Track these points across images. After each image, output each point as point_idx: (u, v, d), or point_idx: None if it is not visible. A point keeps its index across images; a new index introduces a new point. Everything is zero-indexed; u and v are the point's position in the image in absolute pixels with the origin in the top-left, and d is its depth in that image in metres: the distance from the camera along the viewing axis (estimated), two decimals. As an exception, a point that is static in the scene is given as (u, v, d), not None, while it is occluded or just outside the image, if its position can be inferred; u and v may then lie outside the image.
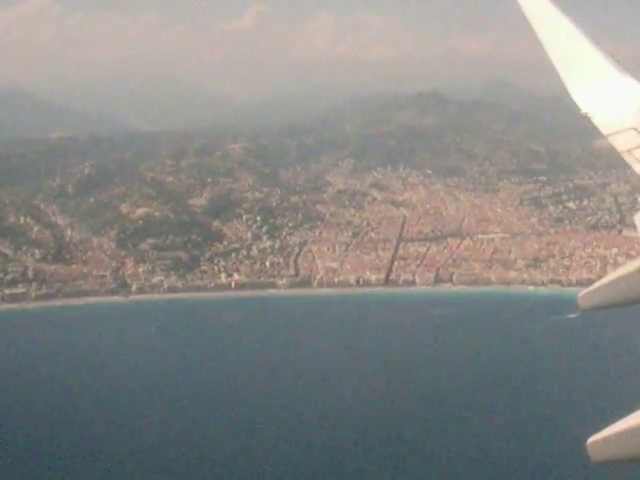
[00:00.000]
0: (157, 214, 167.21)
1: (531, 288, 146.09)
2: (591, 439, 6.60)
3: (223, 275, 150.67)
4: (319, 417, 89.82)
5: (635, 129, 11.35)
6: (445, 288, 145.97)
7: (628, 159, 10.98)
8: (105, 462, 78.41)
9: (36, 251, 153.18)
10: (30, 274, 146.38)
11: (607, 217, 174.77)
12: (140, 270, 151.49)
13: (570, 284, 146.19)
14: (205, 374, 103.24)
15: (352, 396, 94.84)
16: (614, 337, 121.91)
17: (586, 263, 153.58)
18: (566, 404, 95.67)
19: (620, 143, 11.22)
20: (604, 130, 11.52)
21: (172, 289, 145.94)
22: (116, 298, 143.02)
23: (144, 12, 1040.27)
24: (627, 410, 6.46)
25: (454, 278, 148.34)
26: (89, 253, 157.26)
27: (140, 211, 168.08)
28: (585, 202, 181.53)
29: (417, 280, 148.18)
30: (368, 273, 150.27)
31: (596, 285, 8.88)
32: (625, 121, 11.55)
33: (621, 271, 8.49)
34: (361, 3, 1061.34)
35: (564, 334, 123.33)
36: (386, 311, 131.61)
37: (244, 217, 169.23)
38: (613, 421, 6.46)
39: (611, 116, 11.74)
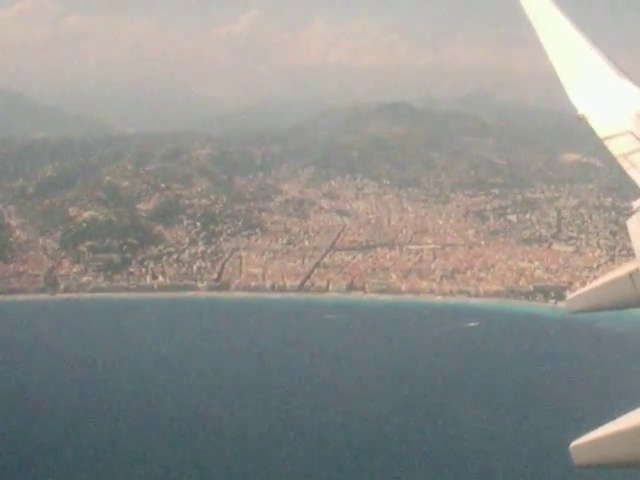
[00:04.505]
0: (101, 217, 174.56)
1: (439, 298, 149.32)
2: (574, 443, 6.72)
3: (148, 277, 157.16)
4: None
5: (632, 133, 11.28)
6: (355, 296, 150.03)
7: (623, 163, 10.76)
8: None
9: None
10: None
11: (543, 231, 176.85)
12: (73, 270, 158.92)
13: (477, 295, 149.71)
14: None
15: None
16: (504, 346, 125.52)
17: (502, 275, 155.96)
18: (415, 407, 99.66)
19: (616, 147, 11.09)
20: (600, 133, 11.48)
21: (97, 289, 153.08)
22: (42, 296, 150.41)
23: (141, 15, 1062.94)
24: (610, 416, 6.64)
25: (366, 287, 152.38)
26: (31, 253, 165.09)
27: (86, 214, 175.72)
28: (528, 215, 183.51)
29: (330, 287, 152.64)
30: (285, 279, 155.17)
31: (585, 289, 9.04)
32: (622, 125, 11.50)
33: (610, 275, 8.65)
34: (359, 10, 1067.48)
35: (451, 341, 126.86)
36: (280, 315, 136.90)
37: (185, 222, 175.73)
38: (596, 426, 6.64)
39: (608, 119, 11.67)
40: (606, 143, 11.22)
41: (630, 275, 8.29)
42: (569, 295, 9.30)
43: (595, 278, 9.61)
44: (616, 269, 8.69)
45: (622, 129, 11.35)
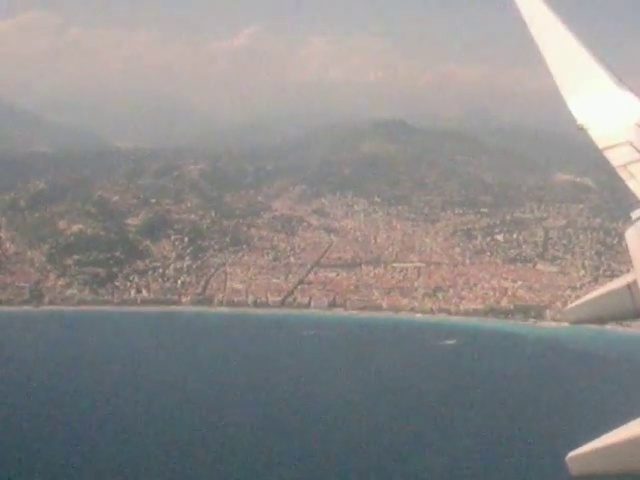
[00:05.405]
0: (89, 231, 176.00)
1: (419, 315, 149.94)
2: (571, 454, 6.84)
3: (133, 291, 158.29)
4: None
5: (631, 143, 11.21)
6: (335, 312, 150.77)
7: (622, 174, 10.61)
8: None
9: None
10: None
11: (529, 250, 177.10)
12: (59, 283, 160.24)
13: (458, 313, 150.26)
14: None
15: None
16: (478, 363, 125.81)
17: (484, 294, 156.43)
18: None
19: (615, 157, 11.00)
20: (599, 143, 11.41)
21: (81, 302, 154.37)
22: (26, 308, 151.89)
23: (141, 29, 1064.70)
24: (606, 428, 6.75)
25: (347, 304, 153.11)
26: (18, 265, 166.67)
27: (75, 227, 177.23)
28: (515, 235, 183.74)
29: (312, 304, 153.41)
30: (268, 295, 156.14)
31: (583, 300, 9.09)
32: (621, 135, 11.45)
33: (608, 287, 8.74)
34: (359, 27, 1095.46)
35: (426, 358, 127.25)
36: (258, 330, 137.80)
37: (172, 237, 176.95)
38: (592, 438, 6.75)
39: (607, 129, 11.64)
40: (605, 153, 11.17)
41: (628, 287, 8.35)
42: (567, 306, 9.40)
43: (587, 292, 9.79)
44: (614, 280, 8.83)
45: (621, 139, 11.32)
